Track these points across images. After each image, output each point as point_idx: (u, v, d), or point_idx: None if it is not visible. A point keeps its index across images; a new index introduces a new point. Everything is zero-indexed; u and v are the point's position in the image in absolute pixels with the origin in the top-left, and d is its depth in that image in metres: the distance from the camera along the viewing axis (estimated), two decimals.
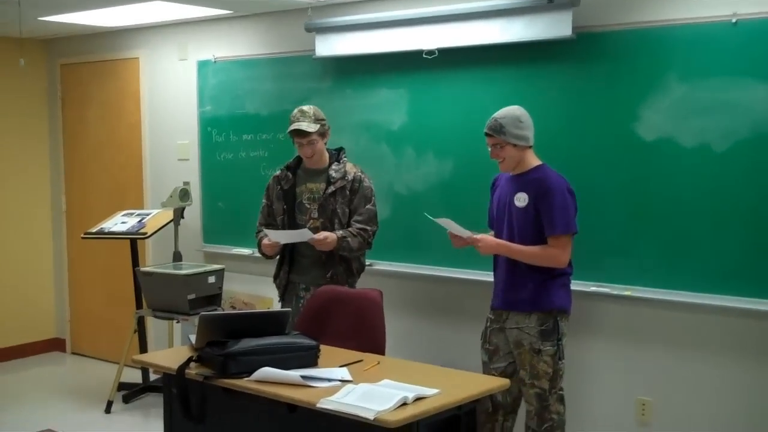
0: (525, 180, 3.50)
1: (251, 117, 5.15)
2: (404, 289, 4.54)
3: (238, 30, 5.24)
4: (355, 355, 3.24)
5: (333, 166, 3.93)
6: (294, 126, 3.84)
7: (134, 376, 5.44)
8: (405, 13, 4.29)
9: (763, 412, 3.52)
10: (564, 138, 3.90)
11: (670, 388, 3.74)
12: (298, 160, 4.02)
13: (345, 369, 3.00)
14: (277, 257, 4.04)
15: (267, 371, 2.89)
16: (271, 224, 4.03)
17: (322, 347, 3.15)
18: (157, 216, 5.40)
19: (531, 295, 3.47)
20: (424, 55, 4.25)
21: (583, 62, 3.85)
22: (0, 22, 5.35)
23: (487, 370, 3.62)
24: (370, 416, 2.52)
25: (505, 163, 3.52)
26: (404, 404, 2.61)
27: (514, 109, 3.50)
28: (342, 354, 3.26)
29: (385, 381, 2.84)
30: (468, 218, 3.81)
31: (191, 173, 5.48)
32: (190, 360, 3.07)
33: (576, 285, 3.83)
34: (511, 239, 3.51)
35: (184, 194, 5.12)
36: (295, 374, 2.86)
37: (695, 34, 3.55)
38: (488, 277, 4.07)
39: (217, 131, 5.34)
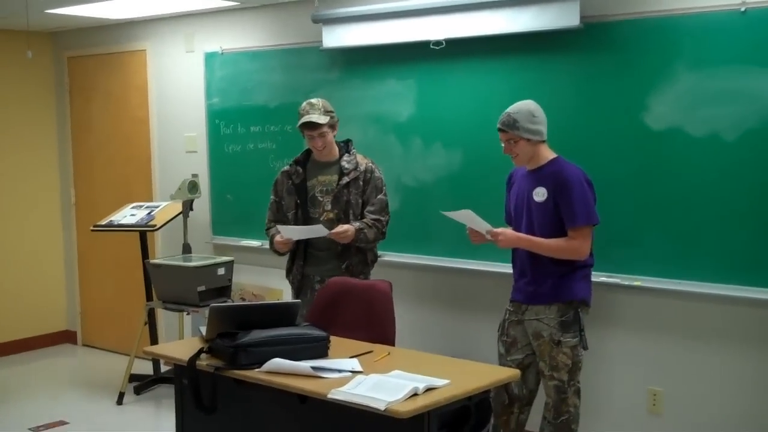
0: (542, 174, 3.48)
1: (259, 109, 5.15)
2: (413, 280, 4.55)
3: (245, 21, 5.24)
4: (365, 346, 3.25)
5: (344, 158, 3.94)
6: (305, 119, 3.83)
7: (145, 367, 5.47)
8: (412, 4, 4.28)
9: None
10: (572, 128, 3.89)
11: (681, 378, 3.74)
12: (307, 154, 4.02)
13: (355, 360, 3.01)
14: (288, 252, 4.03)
15: (277, 362, 2.90)
16: (281, 220, 4.01)
17: (332, 338, 3.16)
18: (165, 208, 5.41)
19: (552, 287, 3.45)
20: (431, 46, 4.25)
21: (591, 52, 3.83)
22: (7, 14, 5.36)
23: (503, 362, 3.59)
24: (381, 407, 2.53)
25: (519, 158, 3.50)
26: (415, 395, 2.61)
27: (527, 104, 3.47)
28: (352, 345, 3.27)
29: (396, 372, 2.84)
30: (477, 209, 3.80)
31: (199, 165, 5.48)
32: (200, 351, 3.08)
33: None
34: (530, 234, 3.49)
35: (193, 186, 5.14)
36: (305, 365, 2.87)
37: (704, 23, 3.53)
38: (497, 267, 4.09)
39: (225, 123, 5.35)
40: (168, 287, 4.91)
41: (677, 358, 3.74)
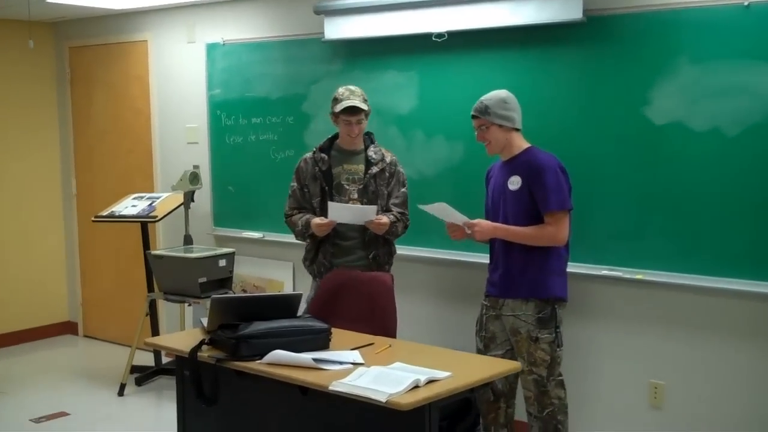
0: (516, 163, 3.51)
1: (260, 100, 5.14)
2: (415, 273, 4.55)
3: (246, 12, 5.22)
4: (367, 338, 3.26)
5: (371, 148, 3.93)
6: (348, 103, 3.78)
7: (146, 359, 5.48)
8: None
9: None
10: (574, 122, 3.89)
11: (682, 371, 3.74)
12: (331, 142, 3.99)
13: (357, 352, 3.01)
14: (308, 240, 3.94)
15: (279, 354, 2.91)
16: (306, 208, 3.93)
17: (334, 330, 3.16)
18: (167, 199, 5.41)
19: (529, 282, 3.47)
20: (433, 38, 4.24)
21: (594, 45, 3.82)
22: (9, 4, 5.35)
23: None
24: (383, 399, 2.53)
25: (492, 146, 3.54)
26: (416, 387, 2.62)
27: (499, 92, 3.54)
28: (353, 337, 3.28)
29: (397, 364, 2.85)
30: (478, 202, 3.81)
31: (201, 157, 5.48)
32: (202, 343, 3.08)
33: (587, 269, 3.85)
34: (505, 224, 3.52)
35: (194, 178, 5.14)
36: (306, 357, 2.88)
37: (707, 17, 3.52)
38: None
39: (227, 114, 5.34)
40: (169, 278, 4.92)
41: (678, 351, 3.75)
